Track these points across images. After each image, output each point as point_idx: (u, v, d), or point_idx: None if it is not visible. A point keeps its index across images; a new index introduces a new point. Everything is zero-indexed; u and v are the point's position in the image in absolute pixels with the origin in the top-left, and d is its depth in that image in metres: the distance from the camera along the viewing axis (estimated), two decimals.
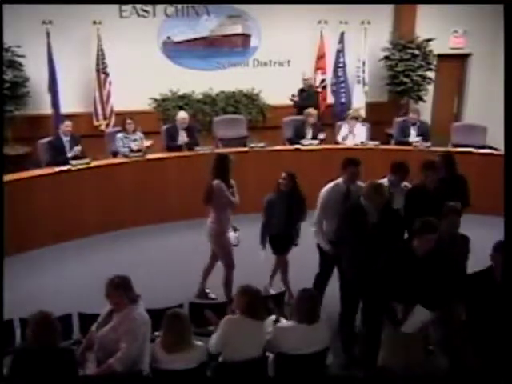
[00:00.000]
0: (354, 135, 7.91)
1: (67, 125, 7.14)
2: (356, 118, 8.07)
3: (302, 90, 9.06)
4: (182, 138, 7.45)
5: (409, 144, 7.78)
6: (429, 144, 7.67)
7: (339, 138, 7.99)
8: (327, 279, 4.84)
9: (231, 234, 5.23)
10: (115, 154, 7.32)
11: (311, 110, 8.19)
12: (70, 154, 6.93)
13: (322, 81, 9.51)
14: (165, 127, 7.85)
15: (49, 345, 3.18)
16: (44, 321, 3.20)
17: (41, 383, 3.16)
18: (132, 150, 7.17)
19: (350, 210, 4.24)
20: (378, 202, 4.02)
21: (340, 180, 4.71)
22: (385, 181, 4.98)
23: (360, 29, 9.35)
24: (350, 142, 7.86)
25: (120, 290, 3.47)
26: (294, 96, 8.91)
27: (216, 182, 5.01)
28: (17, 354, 3.32)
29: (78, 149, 7.00)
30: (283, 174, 5.16)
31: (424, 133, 7.96)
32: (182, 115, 7.67)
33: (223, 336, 3.43)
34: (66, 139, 7.10)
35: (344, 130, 8.03)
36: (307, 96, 8.96)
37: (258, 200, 7.46)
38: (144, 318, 3.51)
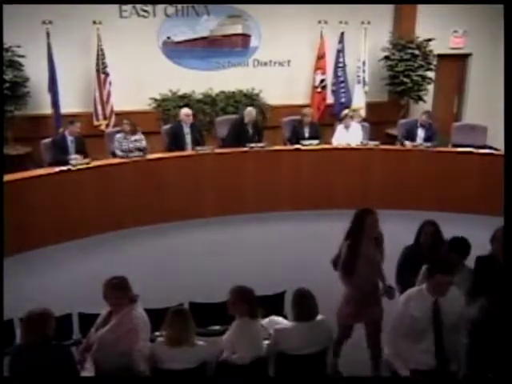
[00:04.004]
0: (350, 134, 7.88)
1: (78, 126, 7.12)
2: (351, 117, 8.06)
3: (239, 124, 8.03)
4: (188, 144, 7.45)
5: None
6: (429, 144, 7.66)
7: (334, 142, 7.92)
8: None
9: None
10: (115, 154, 7.32)
11: (307, 110, 8.18)
12: (72, 157, 6.85)
13: (322, 81, 9.51)
14: (167, 127, 7.83)
15: (38, 342, 3.17)
16: (31, 319, 3.20)
17: (38, 381, 3.15)
18: (131, 151, 7.17)
19: None
20: None
21: (424, 287, 3.40)
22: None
23: (360, 29, 9.35)
24: (345, 141, 7.79)
25: (118, 291, 3.45)
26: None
27: (345, 242, 4.03)
28: (12, 352, 3.32)
29: (77, 157, 6.89)
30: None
31: (432, 135, 7.87)
32: (186, 110, 7.67)
33: (232, 339, 3.51)
34: (70, 139, 7.09)
35: (339, 131, 7.99)
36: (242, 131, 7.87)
37: (258, 200, 7.51)
38: (144, 319, 3.51)
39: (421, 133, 7.90)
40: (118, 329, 3.42)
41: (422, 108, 9.45)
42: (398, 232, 5.70)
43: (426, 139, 7.80)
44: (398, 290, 4.04)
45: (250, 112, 7.96)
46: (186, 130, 7.59)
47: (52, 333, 3.24)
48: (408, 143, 7.75)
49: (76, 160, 6.71)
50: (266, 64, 9.54)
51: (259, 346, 3.55)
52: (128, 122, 7.33)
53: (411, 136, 7.89)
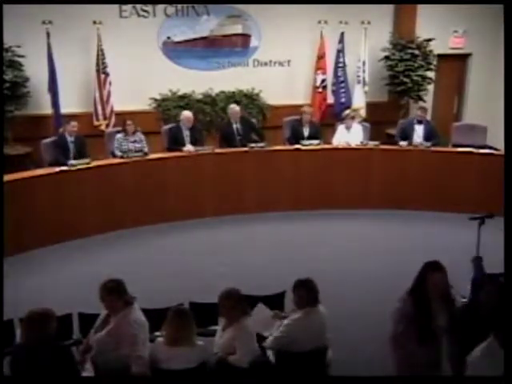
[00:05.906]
0: (351, 135, 7.88)
1: (73, 125, 7.11)
2: (352, 118, 8.06)
3: (225, 126, 7.88)
4: (188, 147, 7.35)
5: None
6: (429, 144, 7.65)
7: (334, 142, 7.90)
8: None
9: None
10: (114, 154, 7.31)
11: (306, 108, 8.17)
12: (72, 161, 6.78)
13: (322, 81, 9.51)
14: (167, 127, 7.83)
15: (38, 342, 3.17)
16: (31, 319, 3.20)
17: (38, 381, 3.15)
18: (131, 151, 7.16)
19: None
20: None
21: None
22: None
23: (360, 29, 9.34)
24: (346, 140, 7.78)
25: (114, 294, 3.43)
26: None
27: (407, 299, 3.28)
28: (12, 352, 3.32)
29: (85, 161, 6.81)
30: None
31: (430, 132, 7.82)
32: (187, 114, 7.64)
33: (231, 341, 3.54)
34: (70, 139, 7.10)
35: (339, 132, 7.98)
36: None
37: (258, 200, 7.51)
38: (142, 322, 3.49)
39: (418, 129, 7.86)
40: (116, 333, 3.40)
41: None
42: (397, 232, 5.73)
43: (426, 138, 7.76)
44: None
45: (232, 109, 7.83)
46: (186, 132, 7.58)
47: (53, 332, 3.24)
48: (403, 143, 7.70)
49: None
50: (266, 64, 9.53)
51: (256, 345, 3.59)
52: (131, 122, 7.31)
53: (408, 134, 7.86)
